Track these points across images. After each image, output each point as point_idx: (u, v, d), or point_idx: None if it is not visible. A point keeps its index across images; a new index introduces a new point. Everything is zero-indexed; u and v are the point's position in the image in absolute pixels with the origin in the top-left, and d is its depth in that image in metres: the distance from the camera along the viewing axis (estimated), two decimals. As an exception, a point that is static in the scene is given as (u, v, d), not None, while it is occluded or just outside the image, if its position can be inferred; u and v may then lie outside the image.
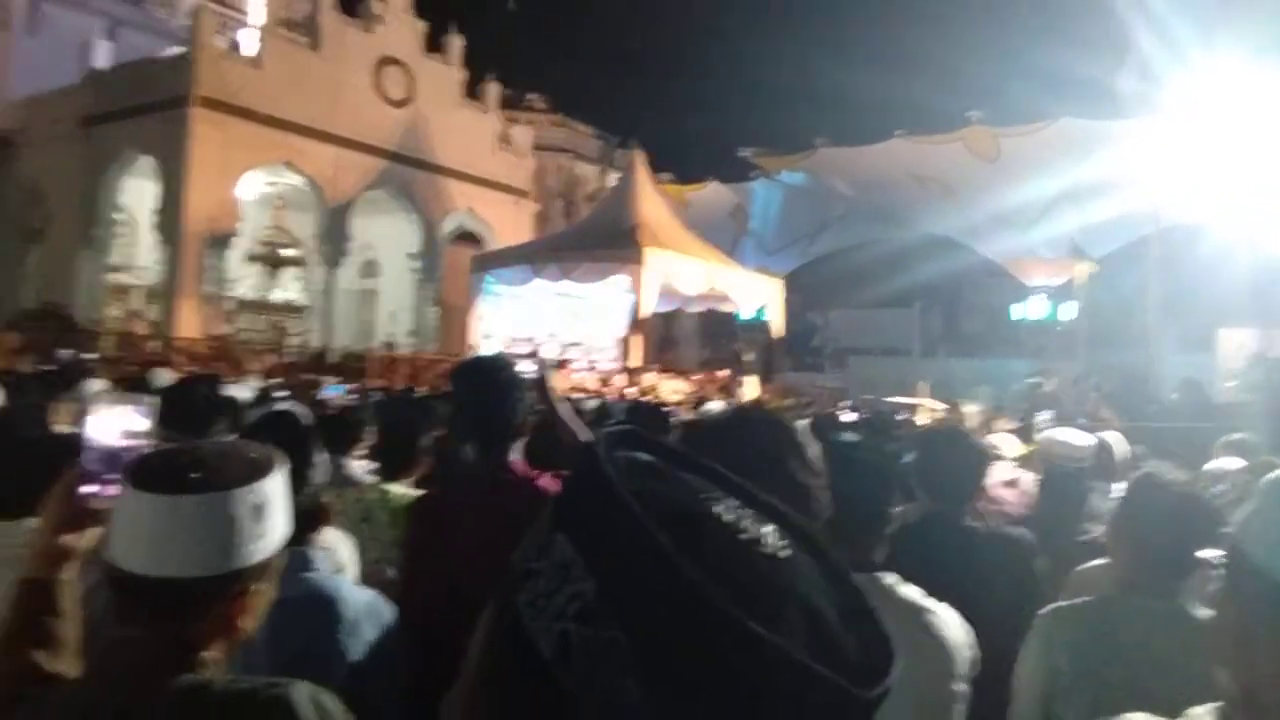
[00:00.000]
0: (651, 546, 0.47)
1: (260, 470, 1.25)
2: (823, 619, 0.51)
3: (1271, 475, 1.26)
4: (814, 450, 1.29)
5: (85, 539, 1.36)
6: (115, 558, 1.18)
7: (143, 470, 1.21)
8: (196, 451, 1.25)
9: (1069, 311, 21.44)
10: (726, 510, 0.52)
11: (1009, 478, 5.19)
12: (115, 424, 1.34)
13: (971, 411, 10.73)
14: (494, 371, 2.65)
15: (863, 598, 0.55)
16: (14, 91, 23.06)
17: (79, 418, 1.50)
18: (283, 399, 6.01)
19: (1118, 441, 4.70)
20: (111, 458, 1.32)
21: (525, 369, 2.98)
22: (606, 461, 0.53)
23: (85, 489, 1.32)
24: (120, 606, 1.22)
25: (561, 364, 18.33)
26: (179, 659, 1.18)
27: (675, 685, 0.46)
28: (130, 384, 7.27)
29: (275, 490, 1.27)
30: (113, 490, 1.30)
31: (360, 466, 3.95)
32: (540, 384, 2.97)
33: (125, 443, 1.34)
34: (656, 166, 22.39)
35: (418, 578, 2.47)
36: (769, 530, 0.53)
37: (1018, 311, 23.07)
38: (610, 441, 0.57)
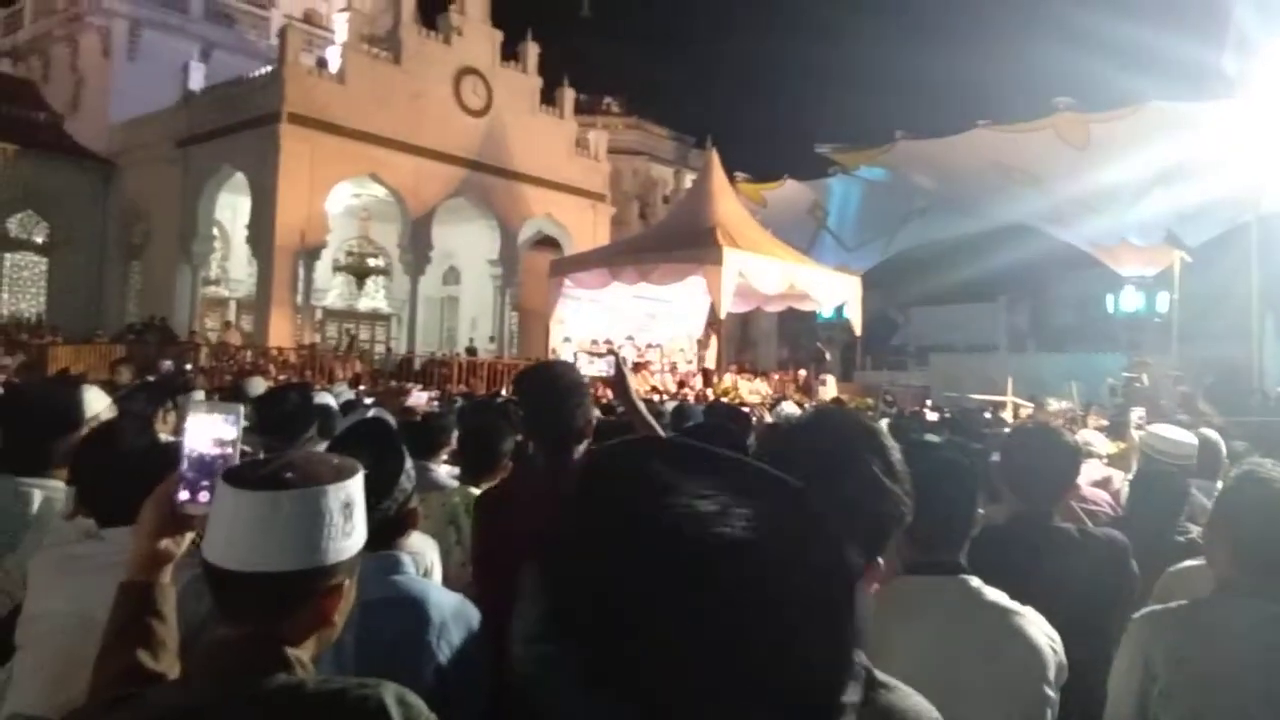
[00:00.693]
0: (582, 564, 0.50)
1: (347, 472, 1.31)
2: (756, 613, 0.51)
3: None
4: (897, 452, 1.26)
5: (181, 544, 1.43)
6: (214, 557, 1.23)
7: (240, 472, 1.27)
8: (288, 456, 1.31)
9: (1165, 303, 20.62)
10: (685, 510, 0.52)
11: (1100, 476, 5.01)
12: (207, 432, 1.40)
13: (1058, 409, 10.38)
14: (554, 377, 2.68)
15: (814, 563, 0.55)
16: (116, 115, 24.22)
17: (179, 427, 1.56)
18: (370, 405, 6.18)
19: (1215, 438, 4.53)
20: (204, 465, 1.39)
21: (601, 368, 3.03)
22: (571, 489, 0.55)
23: (180, 495, 1.38)
24: (219, 606, 1.26)
25: (640, 366, 18.39)
26: (273, 658, 1.22)
27: (618, 691, 0.48)
28: (226, 393, 7.55)
29: (360, 492, 1.32)
30: (205, 497, 1.36)
31: (445, 471, 4.06)
32: (618, 383, 2.96)
33: (217, 450, 1.40)
34: (732, 166, 22.32)
35: (481, 571, 2.55)
36: (731, 517, 0.52)
37: (1111, 303, 22.24)
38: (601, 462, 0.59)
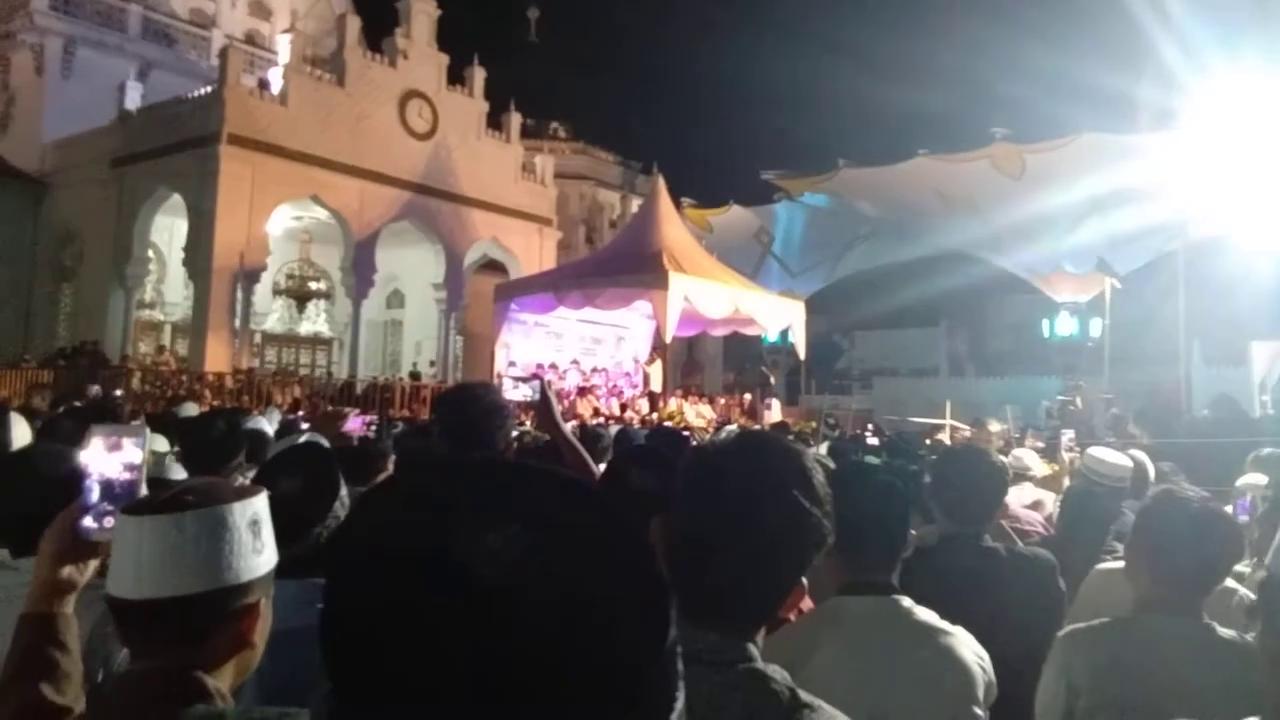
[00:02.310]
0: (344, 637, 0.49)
1: (250, 492, 1.30)
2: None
3: None
4: (819, 474, 1.26)
5: (85, 571, 1.38)
6: (123, 590, 1.20)
7: (139, 502, 1.26)
8: (187, 483, 1.31)
9: (1098, 328, 21.19)
10: (472, 548, 0.50)
11: (1031, 500, 5.10)
12: (112, 456, 1.37)
13: (997, 430, 10.59)
14: (474, 399, 2.66)
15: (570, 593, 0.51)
16: (49, 134, 23.59)
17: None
18: (305, 430, 6.05)
19: (1144, 460, 4.65)
20: (109, 489, 1.35)
21: (525, 393, 3.00)
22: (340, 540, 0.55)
23: (84, 521, 1.34)
24: (129, 641, 1.24)
25: (585, 390, 18.34)
26: (190, 689, 1.18)
27: None
28: (157, 418, 7.36)
29: (266, 510, 1.30)
30: (110, 522, 1.32)
31: None
32: (542, 406, 2.93)
33: (123, 475, 1.36)
34: (679, 191, 22.45)
35: None
36: (514, 555, 0.49)
37: (1046, 328, 22.81)
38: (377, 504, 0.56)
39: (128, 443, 1.38)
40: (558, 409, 3.03)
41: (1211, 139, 16.42)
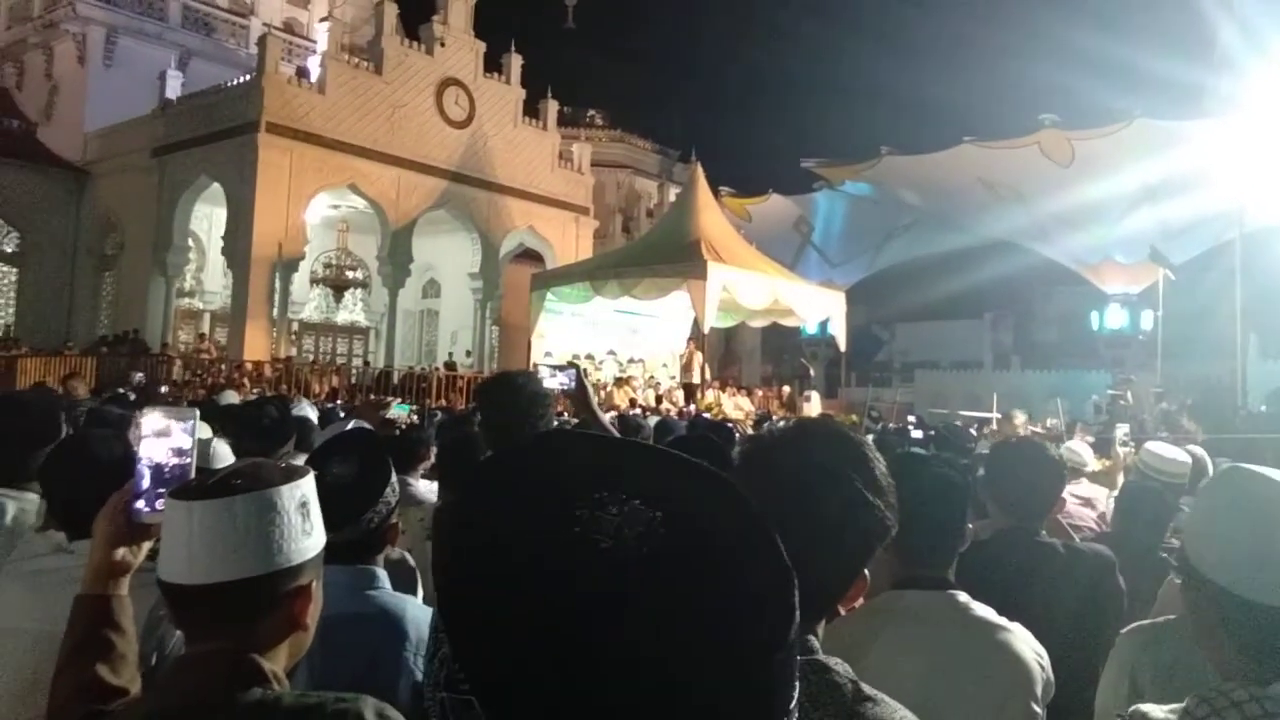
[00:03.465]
0: (462, 609, 0.48)
1: (298, 473, 1.29)
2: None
3: (1210, 480, 1.46)
4: (881, 465, 1.24)
5: (139, 554, 1.42)
6: (174, 575, 1.20)
7: (188, 487, 1.25)
8: (234, 466, 1.29)
9: (1149, 320, 20.66)
10: (588, 521, 0.49)
11: (1085, 494, 4.94)
12: (163, 440, 1.40)
13: (1021, 421, 10.33)
14: (516, 388, 2.71)
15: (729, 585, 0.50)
16: (91, 124, 23.84)
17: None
18: (346, 418, 6.03)
19: (1202, 455, 4.68)
20: (160, 472, 1.38)
21: (562, 381, 3.00)
22: (453, 526, 0.53)
23: (137, 504, 1.37)
24: (182, 626, 1.25)
25: (622, 381, 18.17)
26: (247, 672, 1.19)
27: None
28: (198, 406, 7.34)
29: (313, 491, 1.30)
30: (163, 505, 1.34)
31: (424, 485, 4.11)
32: (578, 394, 2.97)
33: (173, 459, 1.39)
34: (717, 180, 22.22)
35: None
36: (637, 529, 0.49)
37: (1095, 320, 22.29)
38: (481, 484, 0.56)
39: (177, 427, 1.40)
40: (594, 397, 3.07)
41: (1269, 124, 15.89)
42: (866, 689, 1.12)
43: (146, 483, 1.37)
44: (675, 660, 0.45)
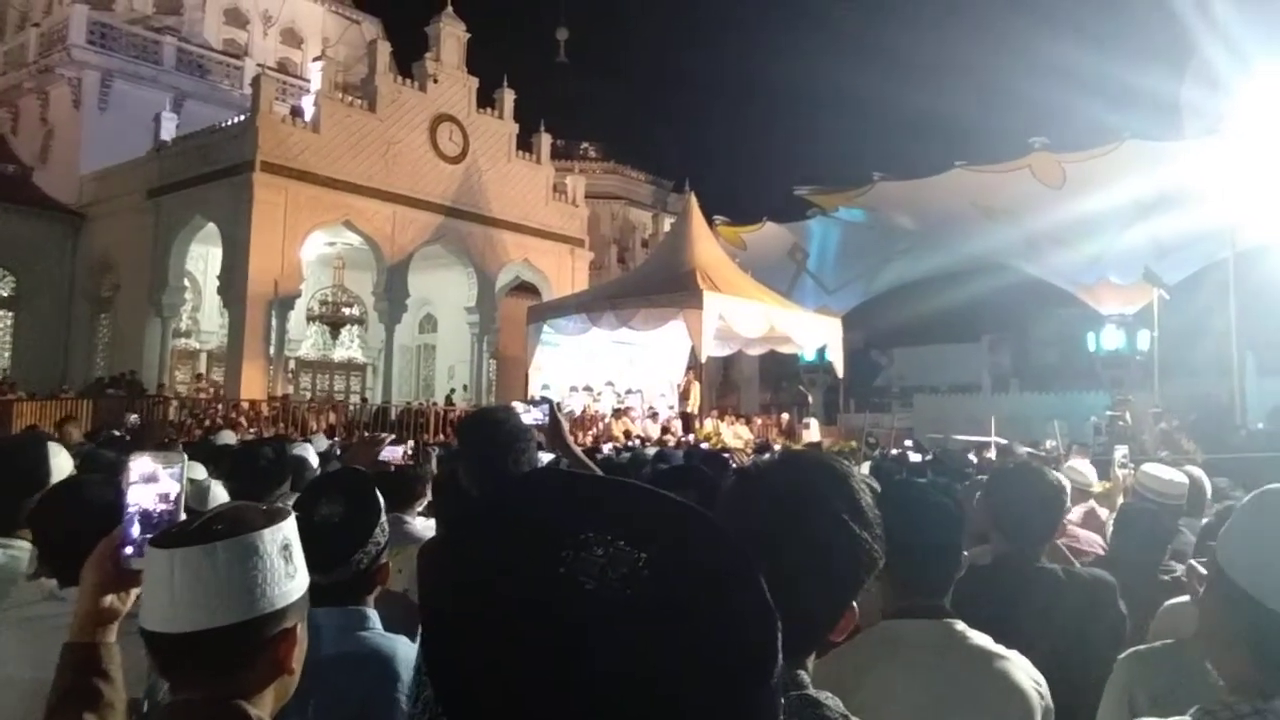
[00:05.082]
0: (445, 650, 0.48)
1: (278, 516, 1.28)
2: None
3: (1255, 493, 1.47)
4: (867, 496, 1.23)
5: (127, 601, 1.40)
6: (156, 624, 1.19)
7: (168, 534, 1.25)
8: (214, 510, 1.28)
9: (1145, 340, 20.67)
10: (573, 563, 0.50)
11: (1088, 516, 4.91)
12: (150, 485, 1.39)
13: (1021, 452, 10.38)
14: (495, 424, 2.73)
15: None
16: (86, 166, 23.93)
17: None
18: (339, 458, 5.99)
19: (1200, 476, 4.65)
20: (148, 518, 1.37)
21: (536, 416, 3.04)
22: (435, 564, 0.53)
23: (125, 551, 1.36)
24: (166, 674, 1.25)
25: (620, 412, 18.12)
26: (234, 718, 1.19)
27: None
28: (196, 447, 7.33)
29: (295, 533, 1.29)
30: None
31: (421, 524, 4.06)
32: (551, 428, 2.99)
33: (160, 505, 1.38)
34: (711, 209, 22.31)
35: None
36: (621, 571, 0.49)
37: (1092, 341, 22.28)
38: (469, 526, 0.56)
39: (164, 472, 1.40)
40: (567, 430, 3.08)
41: (1259, 142, 15.99)
42: None
43: (135, 529, 1.36)
44: (659, 701, 0.45)
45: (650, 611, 0.48)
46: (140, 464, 1.40)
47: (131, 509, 1.38)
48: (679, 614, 0.49)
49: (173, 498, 1.39)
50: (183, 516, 1.40)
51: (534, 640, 0.46)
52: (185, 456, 1.47)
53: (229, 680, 1.21)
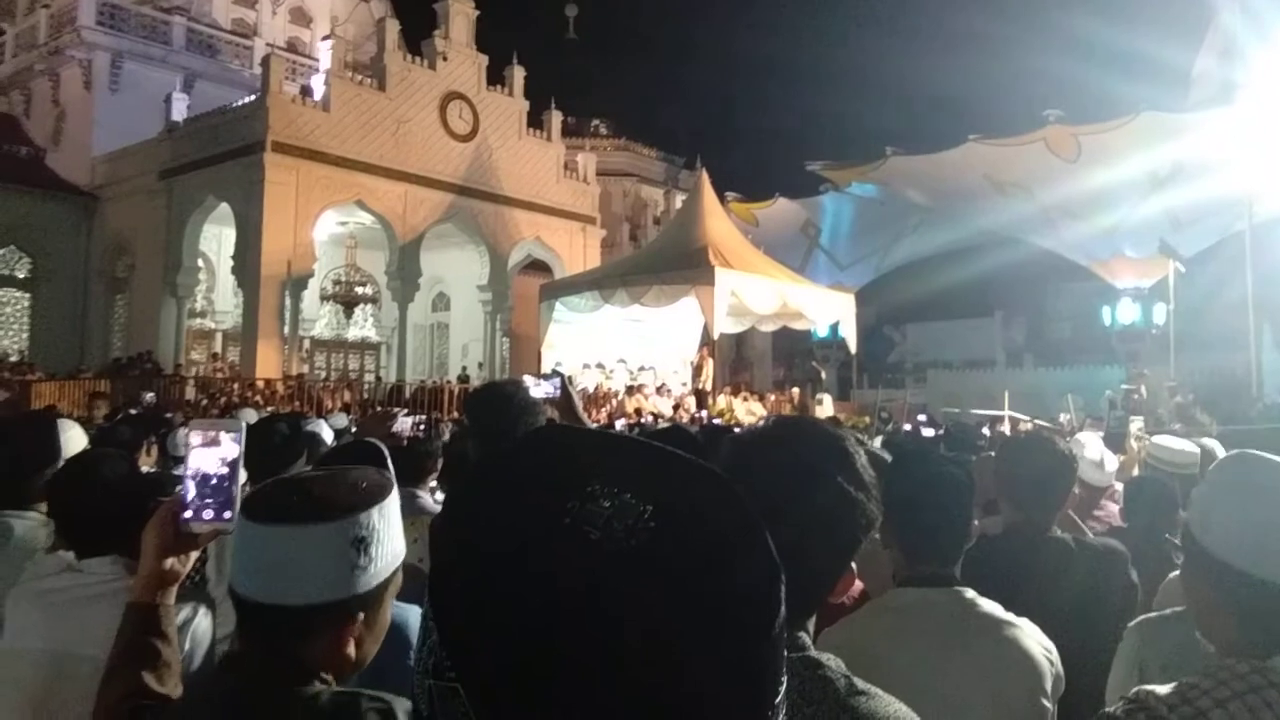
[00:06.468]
0: (450, 597, 0.49)
1: (364, 503, 1.26)
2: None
3: (1220, 460, 1.49)
4: (863, 458, 1.23)
5: (187, 563, 1.46)
6: (236, 584, 1.24)
7: (256, 503, 1.26)
8: (305, 484, 1.27)
9: (1161, 314, 20.52)
10: (578, 513, 0.50)
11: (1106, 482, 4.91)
12: (210, 450, 1.41)
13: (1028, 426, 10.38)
14: (505, 397, 2.74)
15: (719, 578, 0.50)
16: (98, 148, 24.00)
17: (161, 459, 1.56)
18: (352, 435, 6.04)
19: (1214, 447, 4.60)
20: (207, 483, 1.40)
21: (547, 390, 3.01)
22: (452, 522, 0.54)
23: (184, 514, 1.39)
24: (241, 629, 1.28)
25: (633, 389, 18.15)
26: (292, 674, 1.22)
27: None
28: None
29: (384, 516, 1.29)
30: (209, 515, 1.39)
31: (433, 498, 4.07)
32: (562, 401, 3.00)
33: (220, 469, 1.40)
34: (723, 185, 22.20)
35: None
36: (627, 522, 0.50)
37: (1107, 315, 22.13)
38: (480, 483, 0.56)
39: (225, 438, 1.41)
40: (579, 403, 3.11)
41: (1277, 112, 15.78)
42: (859, 683, 1.13)
43: (193, 494, 1.39)
44: (660, 651, 0.46)
45: (655, 563, 0.49)
46: (200, 429, 1.43)
47: (190, 475, 1.40)
48: (684, 566, 0.49)
49: (231, 462, 1.41)
50: (242, 477, 1.44)
51: (538, 588, 0.47)
52: (244, 423, 1.48)
53: (290, 647, 1.24)
